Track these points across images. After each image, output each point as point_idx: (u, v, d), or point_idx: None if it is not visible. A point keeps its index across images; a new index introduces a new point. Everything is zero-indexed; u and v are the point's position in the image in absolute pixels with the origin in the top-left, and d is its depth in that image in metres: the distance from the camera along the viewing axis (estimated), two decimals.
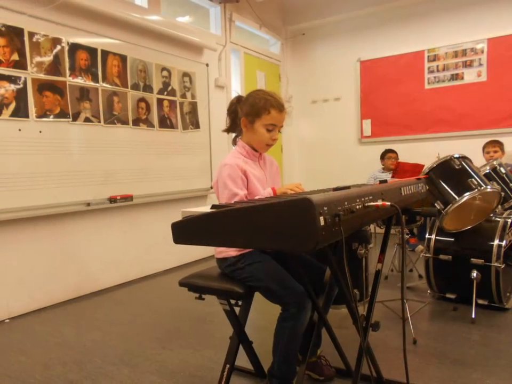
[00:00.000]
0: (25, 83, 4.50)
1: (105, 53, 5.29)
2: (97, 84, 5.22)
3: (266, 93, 2.72)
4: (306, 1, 8.85)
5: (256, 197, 2.55)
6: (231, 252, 2.62)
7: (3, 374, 3.35)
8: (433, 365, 3.24)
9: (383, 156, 7.56)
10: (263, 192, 2.63)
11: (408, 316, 3.93)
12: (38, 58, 4.60)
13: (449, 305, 4.37)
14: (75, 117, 4.98)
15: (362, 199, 1.81)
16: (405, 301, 3.69)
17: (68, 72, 4.89)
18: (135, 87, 5.71)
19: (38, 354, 3.66)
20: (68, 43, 4.88)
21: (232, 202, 2.33)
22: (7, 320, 4.52)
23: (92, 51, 5.15)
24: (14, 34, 4.41)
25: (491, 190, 3.97)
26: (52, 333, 4.14)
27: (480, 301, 4.16)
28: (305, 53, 9.41)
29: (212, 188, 6.75)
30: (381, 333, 3.68)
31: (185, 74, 6.52)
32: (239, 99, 2.86)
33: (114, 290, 5.46)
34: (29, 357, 3.63)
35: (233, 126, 2.92)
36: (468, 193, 3.90)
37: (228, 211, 1.68)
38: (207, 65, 6.99)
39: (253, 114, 2.68)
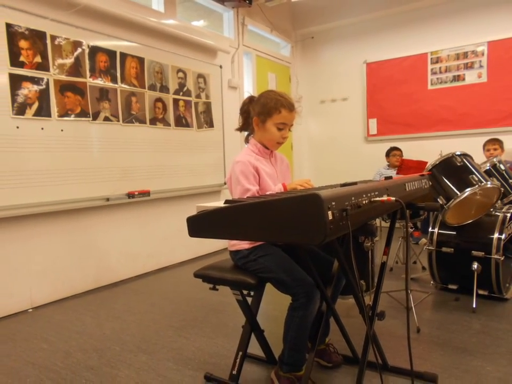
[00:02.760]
0: (47, 84, 4.52)
1: (123, 55, 5.31)
2: (116, 85, 5.23)
3: (277, 93, 2.72)
4: (315, 6, 8.83)
5: (268, 192, 2.55)
6: (244, 245, 2.62)
7: (27, 361, 3.37)
8: (436, 352, 3.24)
9: (388, 153, 7.58)
10: (274, 187, 2.63)
11: (412, 305, 3.94)
12: (59, 60, 4.62)
13: (451, 296, 4.38)
14: (95, 116, 5.00)
15: (369, 195, 1.81)
16: (409, 292, 3.67)
17: (88, 73, 4.91)
18: (152, 87, 5.71)
19: (60, 342, 3.68)
20: (88, 46, 4.90)
21: (245, 197, 2.32)
22: (30, 310, 4.55)
23: (111, 53, 5.16)
24: (37, 37, 4.42)
25: (491, 186, 3.96)
26: (73, 322, 4.16)
27: (480, 292, 4.17)
28: (314, 56, 9.41)
29: (225, 183, 6.74)
30: (386, 322, 3.67)
31: (200, 75, 6.53)
32: (251, 99, 2.86)
33: (132, 282, 5.47)
34: (51, 345, 3.65)
35: (246, 125, 2.92)
36: (469, 189, 3.90)
37: (241, 206, 1.68)
38: (220, 67, 6.99)
39: (265, 114, 2.68)
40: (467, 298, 4.19)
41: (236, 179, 2.60)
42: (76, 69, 4.78)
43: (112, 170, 5.22)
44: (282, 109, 2.66)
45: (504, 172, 4.57)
